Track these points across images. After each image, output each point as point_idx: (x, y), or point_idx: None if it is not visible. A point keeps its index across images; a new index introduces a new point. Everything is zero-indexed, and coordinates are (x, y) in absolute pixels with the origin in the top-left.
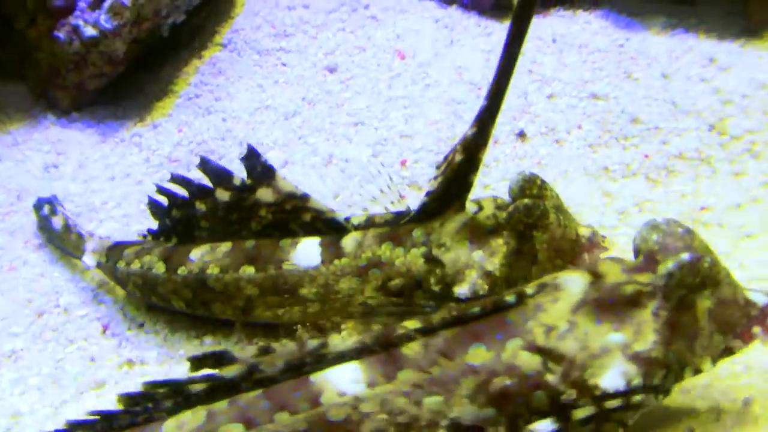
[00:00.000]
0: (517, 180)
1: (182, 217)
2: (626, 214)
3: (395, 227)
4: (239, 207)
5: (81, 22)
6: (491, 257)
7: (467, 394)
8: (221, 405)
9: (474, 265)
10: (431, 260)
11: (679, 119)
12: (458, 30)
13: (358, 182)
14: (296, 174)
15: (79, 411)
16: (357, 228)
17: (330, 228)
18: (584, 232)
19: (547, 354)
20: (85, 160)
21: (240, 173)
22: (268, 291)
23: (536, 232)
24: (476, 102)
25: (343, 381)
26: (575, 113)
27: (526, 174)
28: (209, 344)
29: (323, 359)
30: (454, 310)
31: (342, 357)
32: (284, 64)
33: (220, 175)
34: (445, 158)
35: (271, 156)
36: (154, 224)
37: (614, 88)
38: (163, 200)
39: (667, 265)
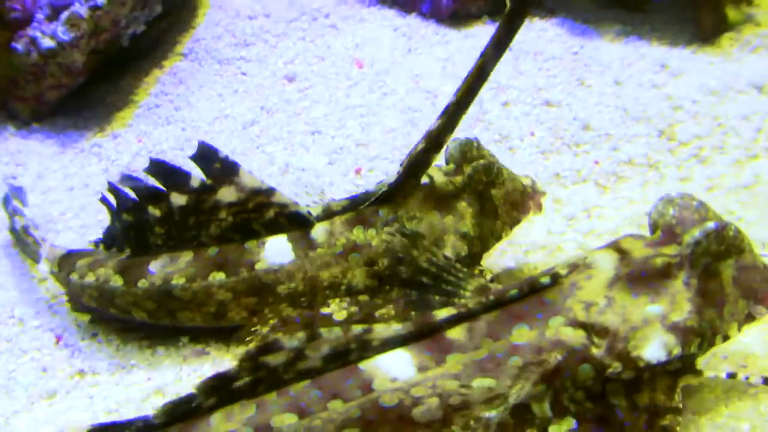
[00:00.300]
0: (455, 146)
1: (134, 221)
2: (575, 219)
3: (360, 211)
4: (198, 210)
5: (39, 34)
6: (462, 220)
7: (516, 372)
8: (270, 396)
9: (449, 230)
10: (407, 234)
11: (630, 126)
12: (416, 38)
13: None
14: None
15: (30, 421)
16: (319, 219)
17: (293, 223)
18: (526, 181)
19: (590, 328)
20: (44, 171)
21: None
22: (243, 293)
23: (493, 190)
24: (432, 110)
25: (394, 367)
26: (529, 120)
27: (462, 139)
28: (162, 354)
29: (368, 346)
30: (491, 294)
31: (387, 344)
32: (244, 74)
33: (175, 177)
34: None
35: None
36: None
37: (567, 95)
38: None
39: (694, 234)
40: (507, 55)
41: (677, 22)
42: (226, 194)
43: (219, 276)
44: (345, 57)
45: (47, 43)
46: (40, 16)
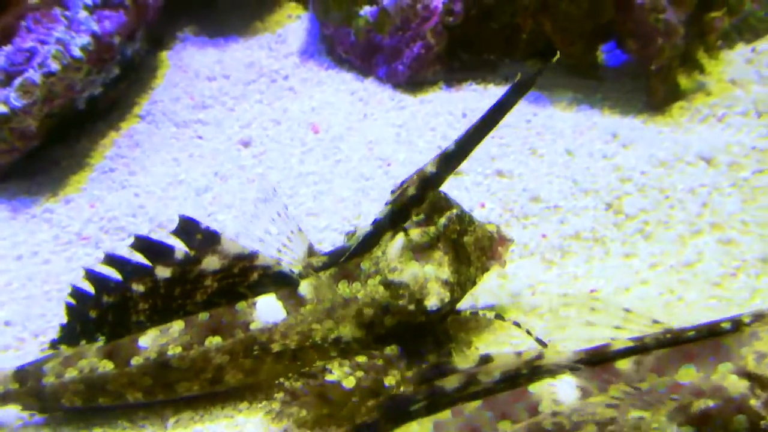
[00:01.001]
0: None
1: (116, 302)
2: (520, 296)
3: (342, 265)
4: (183, 281)
5: None
6: (441, 267)
7: (670, 410)
8: (445, 415)
9: (431, 278)
10: (390, 285)
11: (578, 198)
12: (372, 103)
13: None
14: None
15: None
16: (302, 276)
17: (279, 282)
18: (492, 228)
19: (756, 380)
20: None
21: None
22: (239, 355)
23: (466, 237)
24: (384, 178)
25: (560, 392)
26: (479, 190)
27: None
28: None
29: (538, 371)
30: (669, 333)
31: (556, 369)
32: (200, 137)
33: (159, 252)
34: (399, 187)
35: None
36: (56, 312)
37: (519, 165)
38: (89, 287)
39: None
40: (462, 122)
41: (629, 90)
42: (211, 263)
43: (216, 340)
44: (301, 121)
45: (0, 108)
46: None
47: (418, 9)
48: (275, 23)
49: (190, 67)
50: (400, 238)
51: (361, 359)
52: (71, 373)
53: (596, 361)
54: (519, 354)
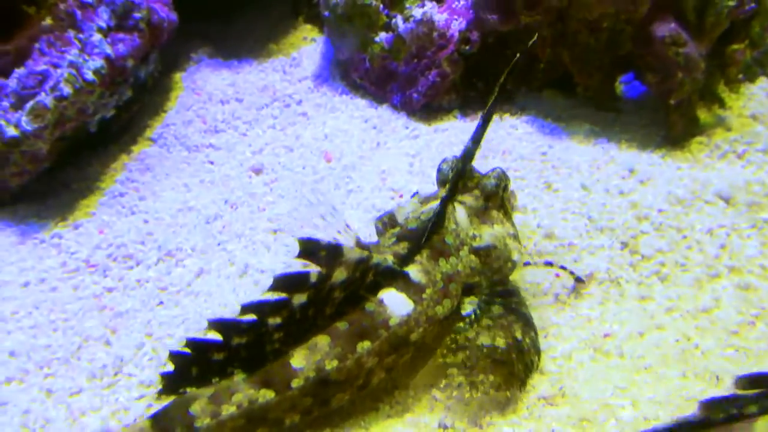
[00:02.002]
0: (447, 167)
1: (249, 342)
2: None
3: (432, 245)
4: (316, 300)
5: (2, 122)
6: (505, 224)
7: None
8: None
9: (505, 236)
10: (479, 251)
11: (594, 236)
12: (386, 131)
13: None
14: (210, 284)
15: None
16: (402, 264)
17: (388, 276)
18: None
19: None
20: (0, 264)
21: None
22: (385, 353)
23: (505, 193)
24: None
25: None
26: None
27: (449, 158)
28: None
29: None
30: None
31: None
32: (211, 162)
33: (296, 281)
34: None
35: (188, 263)
36: (61, 343)
37: (533, 200)
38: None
39: None
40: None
41: (647, 124)
42: (338, 275)
43: (365, 344)
44: (314, 149)
45: (11, 132)
46: (5, 103)
47: (434, 37)
48: (290, 45)
49: (204, 89)
50: (460, 208)
51: (486, 322)
52: (229, 410)
53: None
54: None
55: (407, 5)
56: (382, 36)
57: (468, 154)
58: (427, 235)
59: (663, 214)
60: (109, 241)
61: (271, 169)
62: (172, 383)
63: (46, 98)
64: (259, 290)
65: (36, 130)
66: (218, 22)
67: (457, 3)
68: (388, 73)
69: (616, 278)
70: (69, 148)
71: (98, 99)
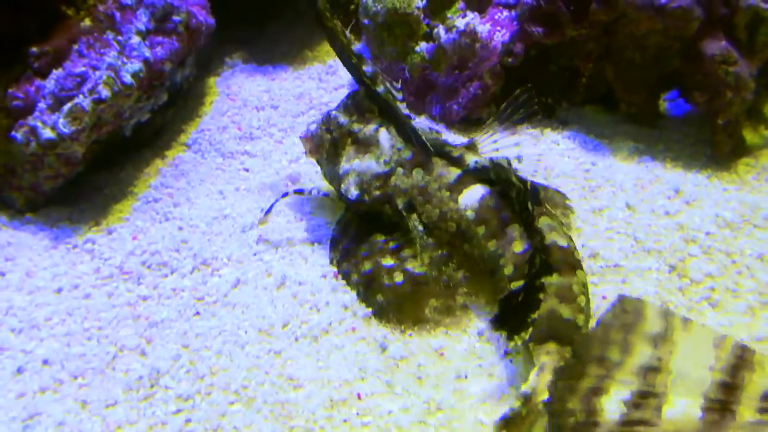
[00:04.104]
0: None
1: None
2: None
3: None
4: None
5: (39, 124)
6: None
7: None
8: None
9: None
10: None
11: (641, 257)
12: None
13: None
14: (247, 296)
15: None
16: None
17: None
18: None
19: None
20: (33, 268)
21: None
22: None
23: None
24: None
25: None
26: None
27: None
28: None
29: None
30: None
31: None
32: (247, 170)
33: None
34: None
35: (224, 273)
36: (96, 352)
37: (577, 219)
38: None
39: None
40: (518, 166)
41: (692, 143)
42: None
43: None
44: None
45: (47, 134)
46: (42, 105)
47: (477, 48)
48: (325, 53)
49: (239, 95)
50: None
51: None
52: None
53: None
54: None
55: (449, 15)
56: (422, 46)
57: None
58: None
59: (711, 237)
60: (143, 248)
61: (308, 178)
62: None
63: (84, 101)
64: (296, 304)
65: (73, 133)
66: (251, 26)
67: (500, 14)
68: (428, 84)
69: (665, 303)
70: (103, 152)
71: (135, 103)
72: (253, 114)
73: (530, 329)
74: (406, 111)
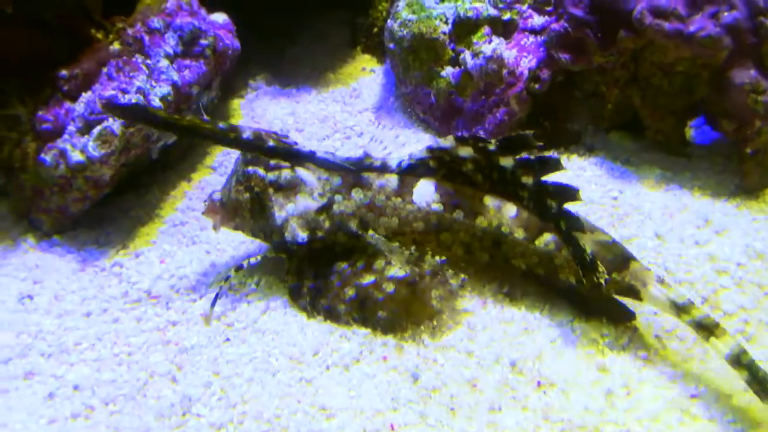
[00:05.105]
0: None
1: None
2: (613, 395)
3: None
4: None
5: (69, 147)
6: None
7: None
8: None
9: None
10: None
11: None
12: None
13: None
14: (277, 322)
15: None
16: None
17: None
18: None
19: None
20: (62, 292)
21: None
22: None
23: None
24: None
25: None
26: None
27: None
28: None
29: None
30: None
31: None
32: None
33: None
34: None
35: (252, 298)
36: (127, 378)
37: None
38: None
39: None
40: None
41: (720, 171)
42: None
43: None
44: None
45: (77, 157)
46: (71, 128)
47: (504, 74)
48: (348, 76)
49: (263, 118)
50: None
51: None
52: None
53: None
54: None
55: (474, 40)
56: (448, 71)
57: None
58: None
59: (742, 268)
60: (170, 272)
61: None
62: None
63: (113, 124)
64: (327, 331)
65: (102, 156)
66: (274, 48)
67: (525, 40)
68: (454, 109)
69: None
70: (130, 174)
71: None
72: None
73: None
74: (305, 148)
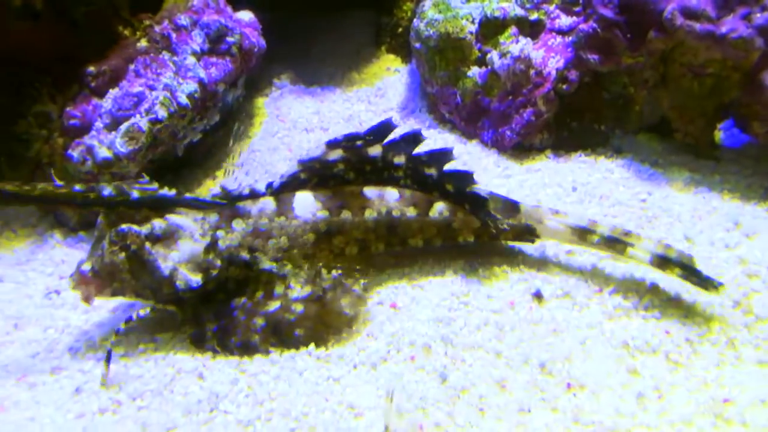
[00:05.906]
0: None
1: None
2: (644, 398)
3: None
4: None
5: (96, 143)
6: None
7: None
8: None
9: None
10: None
11: (703, 291)
12: (477, 169)
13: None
14: None
15: None
16: None
17: None
18: None
19: None
20: None
21: None
22: None
23: None
24: None
25: None
26: (595, 275)
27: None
28: None
29: None
30: None
31: None
32: None
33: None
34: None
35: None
36: (154, 374)
37: None
38: None
39: None
40: (572, 196)
41: (749, 174)
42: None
43: None
44: None
45: (104, 153)
46: (99, 124)
47: (531, 75)
48: (373, 75)
49: (288, 116)
50: None
51: None
52: None
53: None
54: None
55: (501, 41)
56: (474, 71)
57: None
58: None
59: None
60: None
61: None
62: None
63: (141, 121)
64: (354, 330)
65: (130, 153)
66: (298, 47)
67: (553, 40)
68: (480, 109)
69: (730, 339)
70: (155, 171)
71: (189, 123)
72: (303, 136)
73: None
74: (170, 193)
